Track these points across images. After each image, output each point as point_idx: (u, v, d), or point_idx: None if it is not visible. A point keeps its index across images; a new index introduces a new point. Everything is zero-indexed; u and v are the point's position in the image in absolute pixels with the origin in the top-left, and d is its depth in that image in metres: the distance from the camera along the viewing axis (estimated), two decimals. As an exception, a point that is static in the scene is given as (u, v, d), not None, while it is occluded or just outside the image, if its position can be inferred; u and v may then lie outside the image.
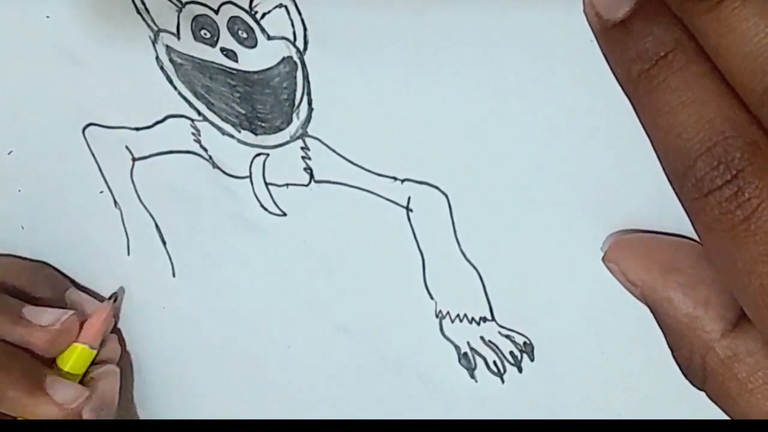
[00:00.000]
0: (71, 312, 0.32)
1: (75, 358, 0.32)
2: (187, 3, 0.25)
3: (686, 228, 0.22)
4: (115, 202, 0.32)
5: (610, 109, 0.22)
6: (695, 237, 0.21)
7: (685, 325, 0.20)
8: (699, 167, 0.17)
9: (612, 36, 0.19)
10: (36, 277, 0.34)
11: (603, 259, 0.23)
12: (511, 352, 0.27)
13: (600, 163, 0.23)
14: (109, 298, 0.34)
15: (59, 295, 0.34)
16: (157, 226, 0.31)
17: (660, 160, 0.19)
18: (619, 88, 0.21)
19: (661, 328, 0.21)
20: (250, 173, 0.28)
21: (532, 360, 0.27)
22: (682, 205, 0.18)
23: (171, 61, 0.27)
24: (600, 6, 0.19)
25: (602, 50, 0.19)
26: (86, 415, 0.32)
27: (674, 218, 0.22)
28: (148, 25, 0.26)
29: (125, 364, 0.35)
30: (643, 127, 0.19)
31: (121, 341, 0.35)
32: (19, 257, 0.35)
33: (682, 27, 0.18)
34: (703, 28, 0.17)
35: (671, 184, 0.18)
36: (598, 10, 0.19)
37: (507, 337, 0.27)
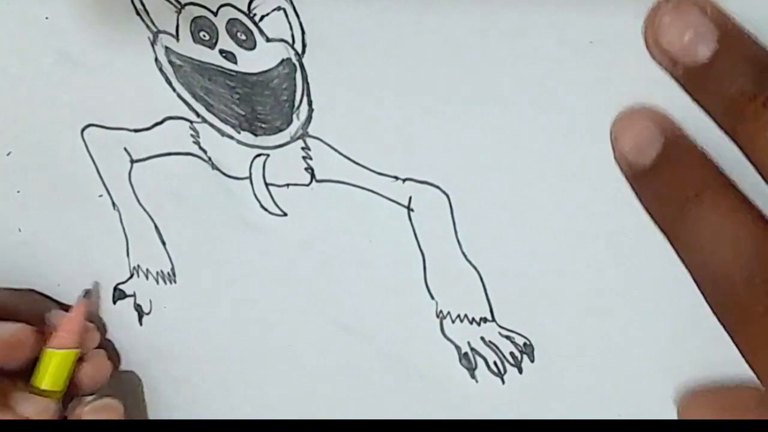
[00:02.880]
0: (21, 324, 0.32)
1: (53, 365, 0.32)
2: (186, 4, 0.25)
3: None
4: (114, 203, 0.31)
5: (610, 110, 0.22)
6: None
7: None
8: (742, 298, 0.18)
9: (644, 181, 0.20)
10: (18, 303, 0.34)
11: None
12: (512, 353, 0.27)
13: (600, 163, 0.22)
14: (84, 296, 0.34)
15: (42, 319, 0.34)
16: (156, 227, 0.31)
17: (700, 289, 0.19)
18: (618, 91, 0.21)
19: None
20: (250, 174, 0.28)
21: (532, 361, 0.27)
22: (727, 332, 0.19)
23: (170, 62, 0.27)
24: (630, 154, 0.20)
25: (635, 193, 0.20)
26: (86, 415, 0.32)
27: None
28: (148, 26, 0.26)
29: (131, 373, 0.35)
30: (680, 258, 0.20)
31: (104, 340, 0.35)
32: (4, 288, 0.35)
33: (710, 165, 0.19)
34: (752, 144, 0.18)
35: (714, 313, 0.19)
36: (628, 157, 0.20)
37: (507, 337, 0.27)
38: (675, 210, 0.19)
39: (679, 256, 0.20)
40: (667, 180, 0.19)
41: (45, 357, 0.32)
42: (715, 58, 0.18)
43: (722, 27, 0.18)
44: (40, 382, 0.32)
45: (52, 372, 0.32)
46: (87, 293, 0.34)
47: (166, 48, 0.26)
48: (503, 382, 0.27)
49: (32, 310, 0.34)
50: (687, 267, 0.19)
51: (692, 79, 0.19)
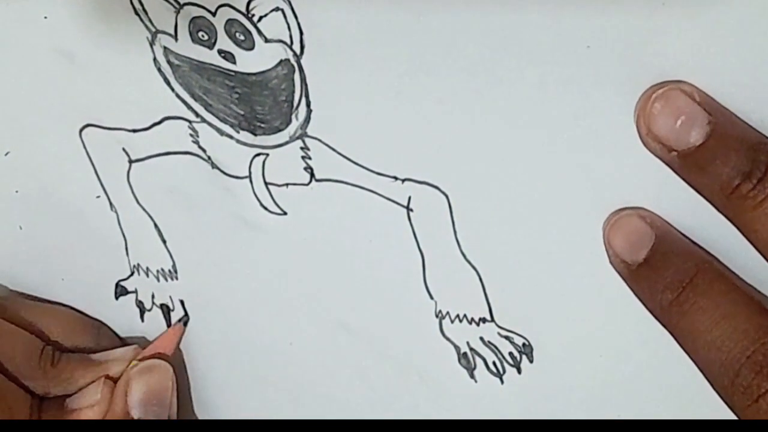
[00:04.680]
0: (134, 346, 0.33)
1: None
2: (184, 4, 0.25)
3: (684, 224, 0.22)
4: (111, 204, 0.31)
5: (609, 111, 0.22)
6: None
7: None
8: (744, 376, 0.19)
9: (638, 275, 0.21)
10: (98, 337, 0.33)
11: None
12: (511, 353, 0.27)
13: (601, 164, 0.23)
14: (179, 321, 0.33)
15: None
16: (156, 225, 0.31)
17: (703, 373, 0.20)
18: (618, 90, 0.21)
19: None
20: (250, 173, 0.28)
21: (531, 361, 0.27)
22: (733, 412, 0.19)
23: (168, 62, 0.27)
24: (623, 253, 0.21)
25: (631, 288, 0.22)
26: (134, 413, 0.30)
27: (676, 218, 0.22)
28: (146, 26, 0.26)
29: (179, 366, 0.34)
30: (681, 347, 0.20)
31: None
32: (79, 312, 0.34)
33: (699, 252, 0.20)
34: (750, 223, 0.19)
35: (719, 394, 0.20)
36: (622, 256, 0.21)
37: (506, 338, 0.27)
38: (669, 298, 0.20)
39: (677, 342, 0.21)
40: (660, 272, 0.20)
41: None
42: (708, 141, 0.19)
43: (712, 111, 0.19)
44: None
45: None
46: (186, 320, 0.33)
47: (165, 48, 0.26)
48: (502, 382, 0.27)
49: (108, 344, 0.33)
50: (686, 352, 0.20)
51: (687, 163, 0.20)
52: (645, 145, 0.20)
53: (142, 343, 0.34)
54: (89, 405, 0.30)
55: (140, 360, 0.32)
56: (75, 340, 0.33)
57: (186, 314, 0.32)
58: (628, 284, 0.22)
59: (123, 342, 0.34)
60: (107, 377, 0.31)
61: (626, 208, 0.22)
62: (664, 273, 0.20)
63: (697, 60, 0.20)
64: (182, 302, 0.33)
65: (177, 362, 0.33)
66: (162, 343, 0.32)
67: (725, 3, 0.19)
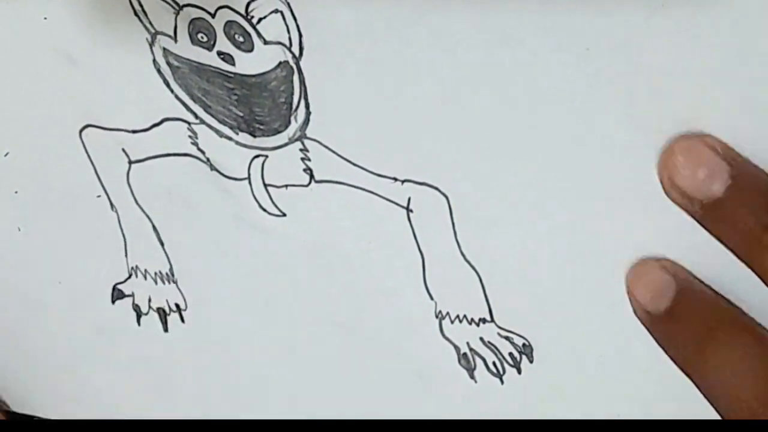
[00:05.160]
0: None
1: None
2: (184, 6, 0.25)
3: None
4: (112, 204, 0.31)
5: (610, 112, 0.22)
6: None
7: None
8: None
9: (660, 326, 0.21)
10: None
11: None
12: (510, 354, 0.27)
13: (600, 165, 0.23)
14: None
15: None
16: (154, 227, 0.31)
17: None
18: (619, 92, 0.21)
19: None
20: (249, 175, 0.28)
21: (531, 362, 0.27)
22: None
23: (168, 63, 0.27)
24: (646, 303, 0.22)
25: (654, 337, 0.22)
26: None
27: (672, 219, 0.22)
28: (146, 28, 0.26)
29: None
30: (705, 396, 0.20)
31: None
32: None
33: (722, 303, 0.20)
34: None
35: None
36: (645, 306, 0.22)
37: (506, 338, 0.27)
38: (692, 350, 0.20)
39: (700, 391, 0.21)
40: (682, 323, 0.21)
41: None
42: (730, 193, 0.19)
43: (733, 162, 0.19)
44: None
45: None
46: None
47: (164, 49, 0.26)
48: (502, 382, 0.27)
49: None
50: (710, 402, 0.20)
51: (709, 214, 0.20)
52: (668, 196, 0.21)
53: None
54: None
55: None
56: None
57: None
58: (650, 333, 0.22)
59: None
60: None
61: (649, 259, 0.22)
62: (686, 325, 0.21)
63: (698, 62, 0.20)
64: (178, 306, 0.33)
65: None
66: None
67: (725, 4, 0.19)
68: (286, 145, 0.27)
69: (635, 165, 0.22)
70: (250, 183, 0.28)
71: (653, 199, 0.22)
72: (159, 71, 0.27)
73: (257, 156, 0.27)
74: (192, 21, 0.25)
